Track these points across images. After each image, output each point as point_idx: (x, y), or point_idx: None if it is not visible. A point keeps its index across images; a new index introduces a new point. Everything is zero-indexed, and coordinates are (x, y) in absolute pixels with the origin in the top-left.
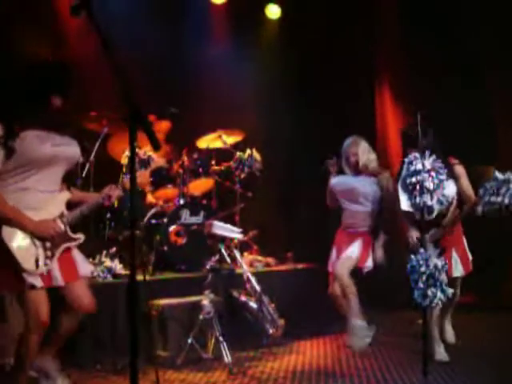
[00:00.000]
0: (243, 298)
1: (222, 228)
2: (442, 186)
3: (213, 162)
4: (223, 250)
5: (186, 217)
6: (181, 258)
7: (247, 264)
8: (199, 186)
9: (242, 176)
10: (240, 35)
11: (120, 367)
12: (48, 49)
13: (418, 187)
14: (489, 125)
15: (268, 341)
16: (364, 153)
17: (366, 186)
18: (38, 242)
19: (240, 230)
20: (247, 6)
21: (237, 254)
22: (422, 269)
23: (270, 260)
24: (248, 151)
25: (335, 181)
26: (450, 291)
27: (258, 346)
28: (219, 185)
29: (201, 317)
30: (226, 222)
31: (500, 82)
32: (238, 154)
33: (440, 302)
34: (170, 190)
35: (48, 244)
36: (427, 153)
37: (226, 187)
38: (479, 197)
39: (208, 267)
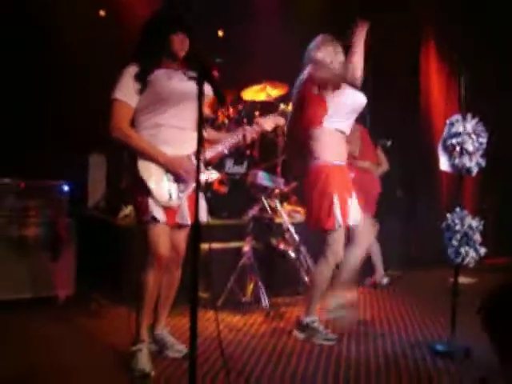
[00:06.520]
0: (282, 247)
1: (265, 178)
2: (481, 148)
3: (257, 113)
4: (264, 200)
5: (230, 166)
6: (223, 206)
7: (287, 214)
8: None
9: (285, 128)
10: None
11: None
12: None
13: (457, 149)
14: None
15: (303, 288)
16: None
17: None
18: (171, 177)
19: (282, 180)
20: None
21: (277, 204)
22: (457, 227)
23: None
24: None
25: (350, 94)
26: (483, 250)
27: (293, 293)
28: (262, 136)
29: (242, 262)
30: (267, 172)
31: None
32: (282, 106)
33: (473, 261)
34: None
35: (181, 179)
36: (469, 115)
37: (268, 139)
38: None
39: (250, 215)
